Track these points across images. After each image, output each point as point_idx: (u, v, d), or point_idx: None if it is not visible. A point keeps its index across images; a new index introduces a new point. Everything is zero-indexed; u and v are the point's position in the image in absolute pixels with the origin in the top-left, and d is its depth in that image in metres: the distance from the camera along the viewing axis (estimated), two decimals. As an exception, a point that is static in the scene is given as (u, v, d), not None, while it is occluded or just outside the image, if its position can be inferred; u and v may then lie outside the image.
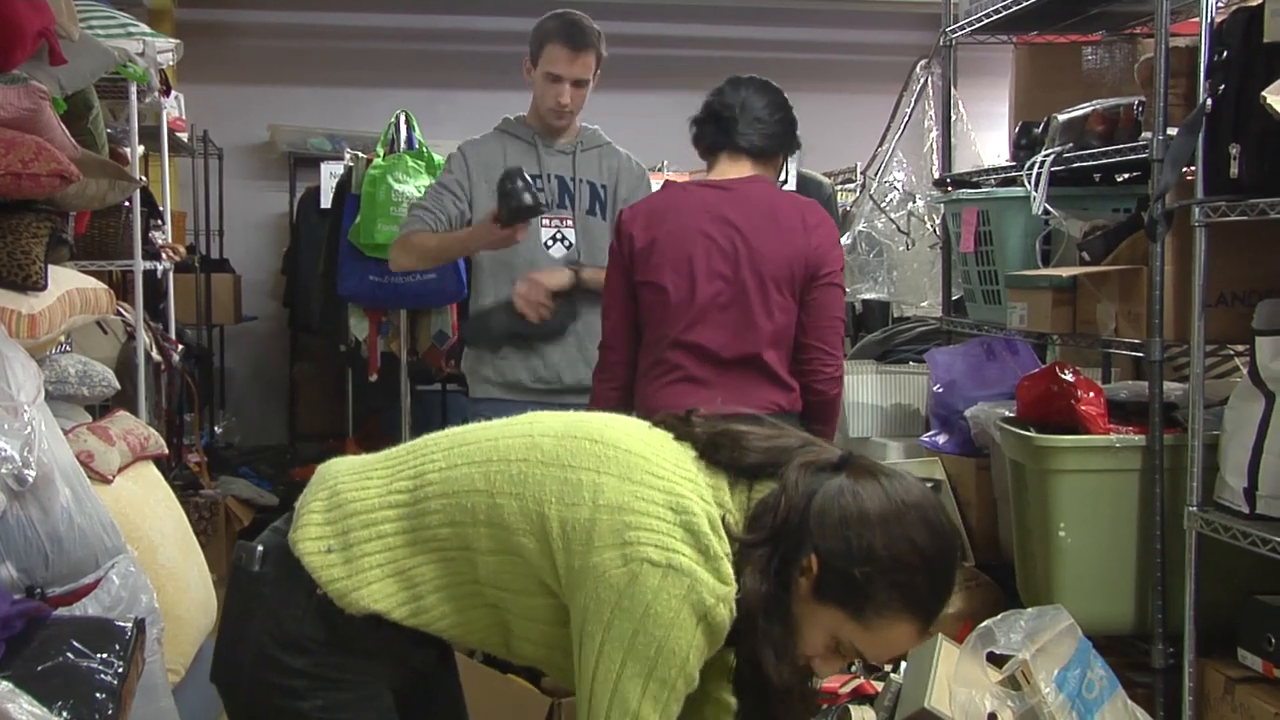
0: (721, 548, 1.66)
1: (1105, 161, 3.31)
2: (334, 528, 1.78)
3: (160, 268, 4.93)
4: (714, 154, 3.15)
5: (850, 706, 3.02)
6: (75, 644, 2.11)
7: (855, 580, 1.64)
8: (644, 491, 1.67)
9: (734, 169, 3.10)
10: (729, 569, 1.65)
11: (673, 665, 1.62)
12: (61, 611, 2.36)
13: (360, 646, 1.78)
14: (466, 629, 1.79)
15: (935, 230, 4.55)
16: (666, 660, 1.61)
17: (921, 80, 4.75)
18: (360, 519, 1.78)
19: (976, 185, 4.06)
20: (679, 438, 1.79)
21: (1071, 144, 3.41)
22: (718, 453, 1.76)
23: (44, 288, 2.80)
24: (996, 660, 2.80)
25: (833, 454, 1.75)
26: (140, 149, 4.75)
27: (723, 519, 1.69)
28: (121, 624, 2.26)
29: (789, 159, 3.32)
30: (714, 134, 3.13)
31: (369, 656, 1.79)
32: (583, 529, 1.66)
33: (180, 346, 5.21)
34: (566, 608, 1.70)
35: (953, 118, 4.36)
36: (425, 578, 1.75)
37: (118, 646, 2.15)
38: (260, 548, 1.83)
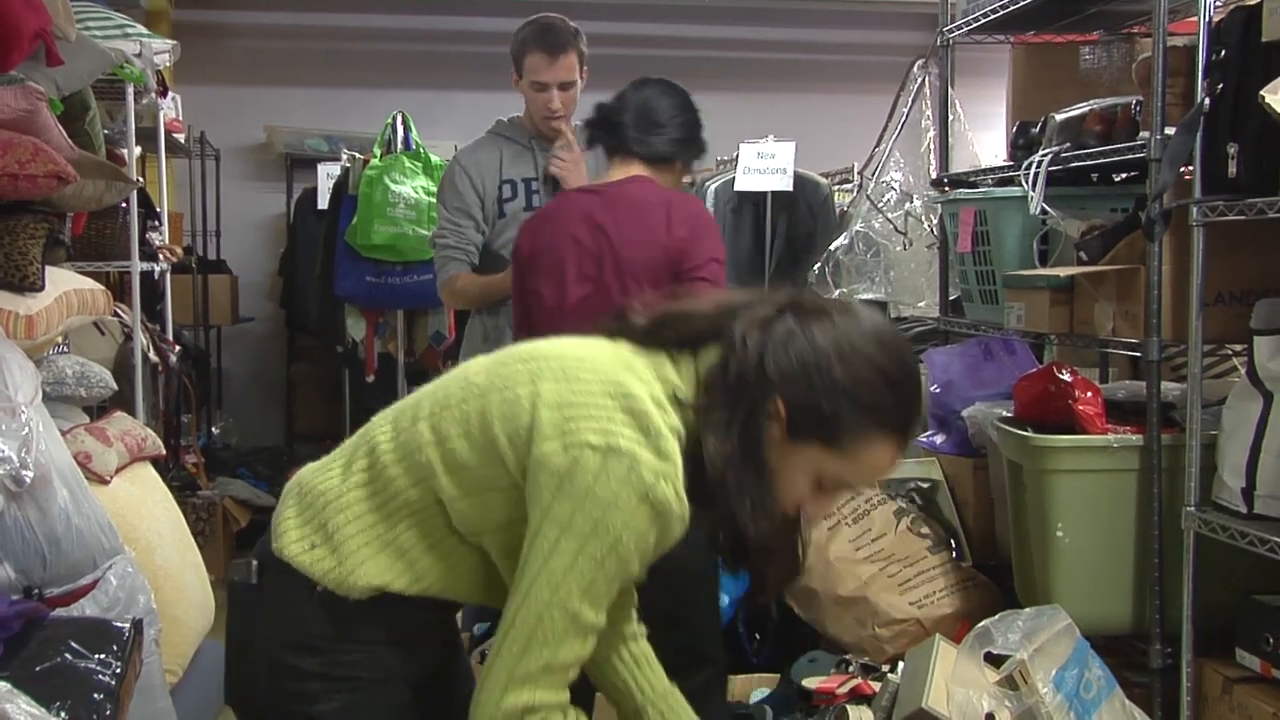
0: (667, 422, 1.66)
1: (1103, 161, 3.31)
2: (311, 525, 1.79)
3: (157, 269, 4.93)
4: (610, 158, 3.16)
5: (848, 707, 3.02)
6: (73, 645, 2.12)
7: (824, 412, 1.67)
8: (581, 386, 1.68)
9: (623, 174, 3.10)
10: (672, 446, 1.65)
11: (605, 542, 1.61)
12: (59, 612, 2.37)
13: (368, 635, 1.77)
14: (462, 583, 1.79)
15: (932, 230, 4.55)
16: (600, 537, 1.61)
17: (919, 80, 4.75)
18: (331, 507, 1.78)
19: (974, 185, 4.06)
20: (614, 335, 1.80)
21: (1069, 144, 3.41)
22: (658, 334, 1.77)
23: (41, 289, 2.81)
24: (994, 660, 2.80)
25: (775, 302, 1.75)
26: (137, 150, 4.75)
27: (673, 393, 1.70)
28: (119, 625, 2.27)
29: (692, 164, 3.30)
30: (604, 138, 3.14)
31: (378, 644, 1.78)
32: (526, 431, 1.67)
33: (177, 347, 5.21)
34: None
35: (950, 118, 4.36)
36: (410, 543, 1.76)
37: (115, 647, 2.15)
38: (255, 561, 1.84)
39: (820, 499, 1.77)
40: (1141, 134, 3.11)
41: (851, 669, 3.31)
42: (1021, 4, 3.65)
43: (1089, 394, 3.15)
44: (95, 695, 2.03)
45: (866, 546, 3.58)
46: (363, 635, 1.77)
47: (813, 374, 1.67)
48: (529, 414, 1.67)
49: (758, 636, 3.85)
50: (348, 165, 5.88)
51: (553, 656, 1.63)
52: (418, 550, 1.76)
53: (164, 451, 3.66)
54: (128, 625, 2.26)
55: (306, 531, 1.79)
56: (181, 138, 6.03)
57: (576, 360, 1.73)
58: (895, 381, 1.70)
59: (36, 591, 2.39)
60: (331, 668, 1.76)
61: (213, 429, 7.14)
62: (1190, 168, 2.89)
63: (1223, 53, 2.78)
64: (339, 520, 1.77)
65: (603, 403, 1.65)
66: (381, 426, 1.83)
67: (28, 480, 2.33)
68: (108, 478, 3.03)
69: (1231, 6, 2.91)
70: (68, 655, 2.10)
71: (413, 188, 5.47)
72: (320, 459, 1.91)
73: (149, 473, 3.37)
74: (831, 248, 4.90)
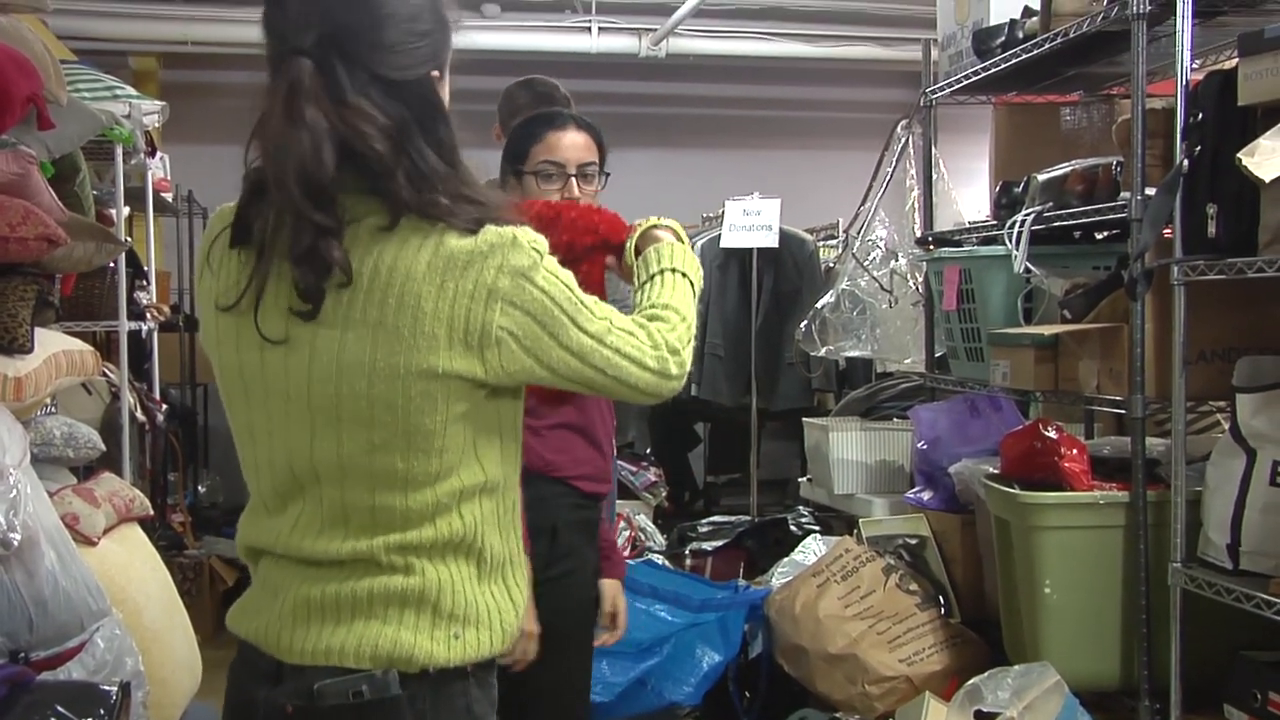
0: (434, 228, 1.56)
1: (1085, 221, 3.34)
2: (437, 623, 1.62)
3: (145, 328, 4.93)
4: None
5: (838, 766, 3.02)
6: (60, 709, 2.11)
7: (446, 35, 1.74)
8: (409, 319, 1.54)
9: None
10: (474, 238, 1.55)
11: (564, 295, 1.58)
12: (46, 676, 2.36)
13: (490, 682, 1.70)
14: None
15: (918, 288, 4.59)
16: (558, 300, 1.57)
17: (903, 139, 4.81)
18: (440, 596, 1.61)
19: (958, 243, 4.10)
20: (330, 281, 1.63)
21: (1051, 203, 3.45)
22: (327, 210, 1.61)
23: (30, 351, 2.81)
24: (984, 718, 2.80)
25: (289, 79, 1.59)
26: (125, 210, 4.76)
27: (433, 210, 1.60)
28: (107, 688, 2.26)
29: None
30: None
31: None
32: (425, 376, 1.55)
33: (164, 406, 5.20)
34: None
35: (934, 176, 4.41)
36: (505, 547, 1.67)
37: (103, 711, 2.14)
38: (387, 671, 1.58)
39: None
40: (1122, 194, 3.15)
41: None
42: (1003, 67, 3.70)
43: (1075, 451, 3.16)
44: (82, 760, 2.02)
45: (855, 604, 3.58)
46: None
47: (409, 34, 1.66)
48: (403, 380, 1.53)
49: (748, 694, 3.83)
50: (335, 224, 5.89)
51: (630, 337, 1.63)
52: (506, 543, 1.67)
53: (152, 512, 3.64)
54: (115, 688, 2.25)
55: (439, 634, 1.60)
56: (169, 197, 6.05)
57: (389, 310, 1.56)
58: None
59: (23, 655, 2.38)
60: None
61: (199, 487, 7.11)
62: (1171, 227, 2.93)
63: (1200, 115, 2.82)
64: (461, 599, 1.62)
65: (424, 288, 1.53)
66: (339, 533, 1.61)
67: (15, 543, 2.33)
68: (95, 539, 3.01)
69: (1208, 70, 2.96)
70: (54, 720, 2.09)
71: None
72: (316, 572, 1.64)
73: (137, 533, 3.36)
74: (818, 305, 4.93)
